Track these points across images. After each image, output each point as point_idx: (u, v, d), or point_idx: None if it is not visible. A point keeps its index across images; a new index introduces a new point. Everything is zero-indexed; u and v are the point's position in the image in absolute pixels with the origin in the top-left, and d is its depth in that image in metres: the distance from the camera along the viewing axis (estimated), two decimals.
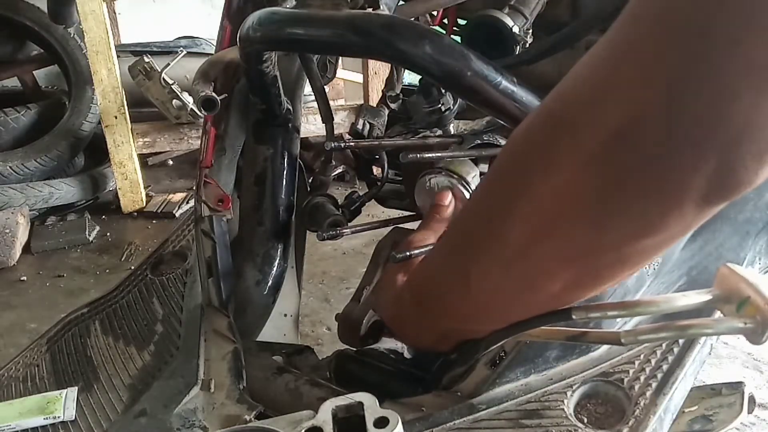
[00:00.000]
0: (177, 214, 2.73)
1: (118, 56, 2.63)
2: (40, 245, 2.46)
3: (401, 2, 0.98)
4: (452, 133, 0.97)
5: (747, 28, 0.34)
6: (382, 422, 0.50)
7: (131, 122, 2.67)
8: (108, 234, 2.61)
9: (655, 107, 0.38)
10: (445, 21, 1.11)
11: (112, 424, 0.76)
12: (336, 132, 0.94)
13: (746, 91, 0.35)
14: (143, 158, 2.95)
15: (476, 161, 0.91)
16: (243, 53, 0.85)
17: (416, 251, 0.71)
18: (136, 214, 2.77)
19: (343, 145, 0.91)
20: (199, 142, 1.34)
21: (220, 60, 0.94)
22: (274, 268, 0.97)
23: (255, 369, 0.80)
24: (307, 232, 1.06)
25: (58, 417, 0.78)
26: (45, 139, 2.79)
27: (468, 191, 0.84)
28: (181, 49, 2.98)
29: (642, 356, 0.72)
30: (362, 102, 2.95)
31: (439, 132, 0.98)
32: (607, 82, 0.40)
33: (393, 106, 1.11)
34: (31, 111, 2.84)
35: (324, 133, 0.94)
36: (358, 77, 3.19)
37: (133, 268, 1.14)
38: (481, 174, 0.88)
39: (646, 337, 0.51)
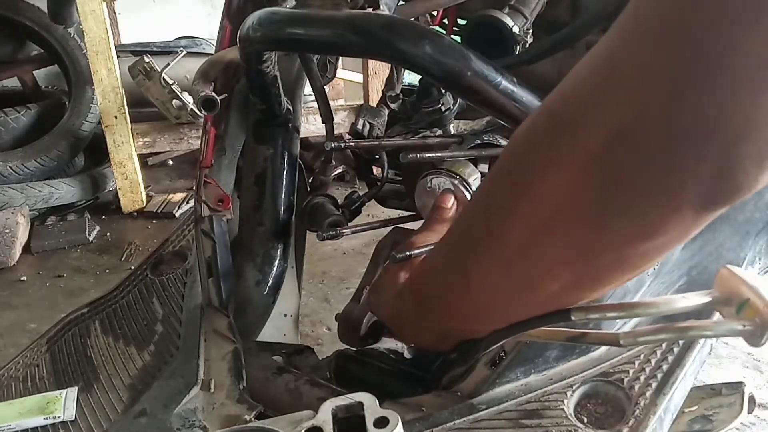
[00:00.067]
0: (177, 214, 2.73)
1: (118, 56, 2.63)
2: (40, 245, 2.47)
3: (401, 2, 0.98)
4: (452, 133, 0.97)
5: (746, 28, 0.34)
6: (382, 422, 0.50)
7: (131, 122, 2.67)
8: (108, 234, 2.62)
9: (654, 107, 0.38)
10: (445, 21, 1.11)
11: (112, 424, 0.76)
12: (336, 132, 0.94)
13: (745, 90, 0.35)
14: (143, 158, 2.95)
15: (476, 161, 0.91)
16: (243, 53, 0.85)
17: (416, 251, 0.71)
18: (136, 214, 2.77)
19: (343, 145, 0.91)
20: (199, 142, 1.34)
21: (220, 60, 0.94)
22: (274, 268, 0.97)
23: (255, 369, 0.80)
24: (307, 232, 1.06)
25: (58, 417, 0.78)
26: (45, 139, 2.79)
27: (469, 192, 0.84)
28: (181, 49, 2.98)
29: (642, 356, 0.72)
30: (362, 102, 2.95)
31: (439, 132, 0.98)
32: (607, 82, 0.41)
33: (393, 106, 1.11)
34: (31, 111, 2.84)
35: (324, 133, 0.94)
36: (358, 77, 3.19)
37: (133, 268, 1.14)
38: (481, 174, 0.88)
39: (646, 338, 0.51)
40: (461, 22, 1.09)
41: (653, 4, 0.38)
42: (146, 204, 2.80)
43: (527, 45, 0.92)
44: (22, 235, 2.43)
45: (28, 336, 1.87)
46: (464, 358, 0.66)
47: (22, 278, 2.28)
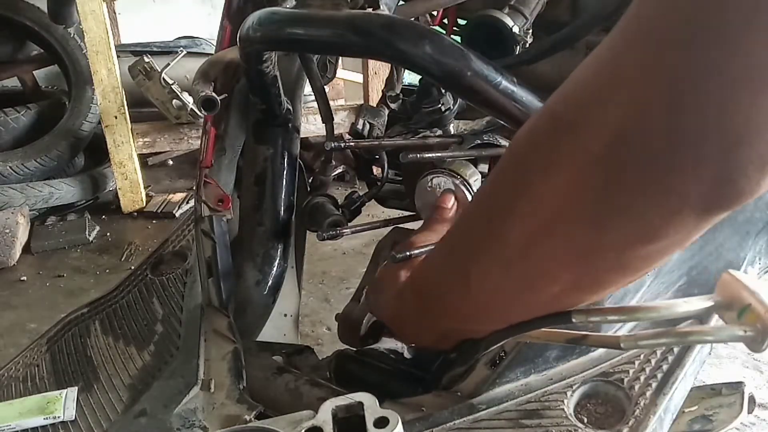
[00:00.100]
0: (177, 214, 2.73)
1: (118, 56, 2.63)
2: (40, 245, 2.47)
3: (401, 2, 0.98)
4: (452, 133, 0.97)
5: (747, 28, 0.34)
6: (382, 422, 0.50)
7: (131, 122, 2.67)
8: (108, 234, 2.62)
9: (656, 108, 0.38)
10: (445, 21, 1.11)
11: (112, 424, 0.76)
12: (336, 132, 0.94)
13: (745, 91, 0.35)
14: (143, 158, 2.95)
15: (476, 161, 0.91)
16: (243, 53, 0.85)
17: (416, 251, 0.71)
18: (136, 214, 2.77)
19: (343, 145, 0.91)
20: (199, 142, 1.34)
21: (220, 60, 0.94)
22: (274, 268, 0.97)
23: (255, 369, 0.80)
24: (307, 232, 1.06)
25: (58, 417, 0.78)
26: (45, 139, 2.79)
27: (470, 193, 0.84)
28: (181, 49, 2.98)
29: (642, 356, 0.72)
30: (362, 102, 2.95)
31: (439, 132, 0.98)
32: (609, 84, 0.41)
33: (393, 106, 1.11)
34: (31, 111, 2.84)
35: (324, 133, 0.94)
36: (358, 77, 3.19)
37: (133, 268, 1.14)
38: (482, 174, 0.88)
39: (646, 342, 0.51)
40: (461, 22, 1.09)
41: (655, 5, 0.38)
42: (146, 204, 2.80)
43: (527, 45, 0.92)
44: (22, 235, 2.43)
45: (28, 336, 1.87)
46: (464, 358, 0.66)
47: (22, 278, 2.28)
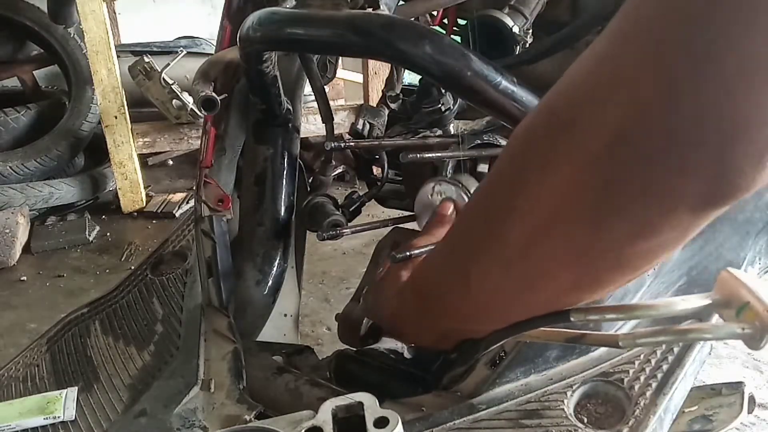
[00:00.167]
0: (177, 214, 2.73)
1: (118, 56, 2.63)
2: (40, 245, 2.46)
3: (401, 2, 0.98)
4: (452, 133, 0.97)
5: (745, 25, 0.34)
6: (382, 422, 0.50)
7: (131, 122, 2.67)
8: (108, 234, 2.61)
9: (654, 107, 0.38)
10: (445, 21, 1.11)
11: (112, 424, 0.76)
12: (336, 132, 0.94)
13: (741, 90, 0.35)
14: (143, 158, 2.95)
15: (476, 161, 0.91)
16: (243, 53, 0.85)
17: (416, 251, 0.71)
18: (136, 214, 2.77)
19: (343, 145, 0.91)
20: (199, 142, 1.34)
21: (220, 60, 0.94)
22: (274, 268, 0.97)
23: (255, 369, 0.80)
24: (307, 232, 1.06)
25: (58, 417, 0.78)
26: (45, 139, 2.79)
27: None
28: (181, 49, 2.98)
29: (642, 356, 0.72)
30: (362, 102, 2.95)
31: (439, 132, 0.98)
32: (606, 82, 0.41)
33: (393, 106, 1.11)
34: (31, 111, 2.84)
35: (324, 133, 0.94)
36: (358, 77, 3.19)
37: (133, 268, 1.14)
38: (481, 175, 0.88)
39: (645, 340, 0.51)
40: (461, 22, 1.09)
41: (654, 4, 0.39)
42: (146, 204, 2.80)
43: (527, 45, 0.92)
44: (22, 235, 2.43)
45: (28, 336, 1.87)
46: (464, 358, 0.66)
47: (22, 278, 2.28)
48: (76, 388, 0.83)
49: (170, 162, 3.41)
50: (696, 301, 0.50)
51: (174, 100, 2.58)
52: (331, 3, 0.82)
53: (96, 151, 2.98)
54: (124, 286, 1.01)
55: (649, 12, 0.39)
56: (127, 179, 2.74)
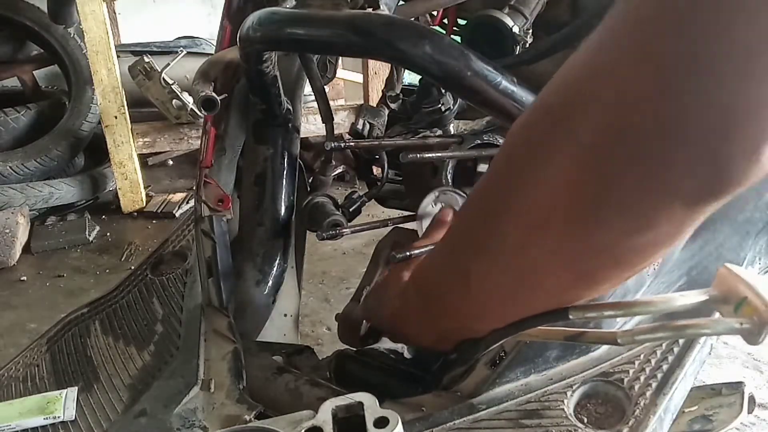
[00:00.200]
0: (177, 214, 2.73)
1: (118, 56, 2.63)
2: (40, 245, 2.46)
3: (401, 2, 0.98)
4: (452, 133, 0.97)
5: (734, 12, 0.34)
6: (382, 422, 0.50)
7: (131, 122, 2.67)
8: (108, 234, 2.61)
9: (645, 99, 0.38)
10: (445, 21, 1.11)
11: (112, 424, 0.76)
12: (336, 132, 0.94)
13: (731, 76, 0.35)
14: (143, 158, 2.95)
15: (476, 161, 0.91)
16: (243, 53, 0.85)
17: (417, 251, 0.71)
18: (136, 214, 2.77)
19: (343, 145, 0.91)
20: (199, 142, 1.34)
21: (220, 60, 0.94)
22: (274, 268, 0.97)
23: (255, 369, 0.80)
24: (307, 232, 1.06)
25: (58, 417, 0.78)
26: (45, 139, 2.79)
27: None
28: (181, 49, 2.98)
29: (642, 356, 0.72)
30: (362, 102, 2.95)
31: (439, 132, 0.98)
32: (598, 75, 0.41)
33: (393, 106, 1.11)
34: (31, 111, 2.84)
35: (324, 133, 0.94)
36: (358, 77, 3.19)
37: (133, 268, 1.14)
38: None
39: (643, 337, 0.51)
40: (461, 22, 1.09)
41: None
42: (146, 204, 2.80)
43: (527, 45, 0.92)
44: (22, 235, 2.43)
45: (28, 336, 1.87)
46: (464, 358, 0.66)
47: (22, 278, 2.28)
48: (76, 388, 0.83)
49: (170, 162, 3.41)
50: (694, 297, 0.50)
51: (174, 100, 2.58)
52: (331, 3, 0.82)
53: (96, 151, 2.98)
54: (124, 286, 1.01)
55: (639, 8, 0.39)
56: (127, 179, 2.74)
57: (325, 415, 0.52)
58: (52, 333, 0.96)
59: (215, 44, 1.11)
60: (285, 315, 1.01)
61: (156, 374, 0.82)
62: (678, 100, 0.37)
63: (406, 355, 0.83)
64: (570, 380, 0.71)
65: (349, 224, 0.95)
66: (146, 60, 2.58)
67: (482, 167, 0.91)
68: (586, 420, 0.67)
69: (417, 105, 1.02)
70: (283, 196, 0.99)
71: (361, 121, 1.11)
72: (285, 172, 1.00)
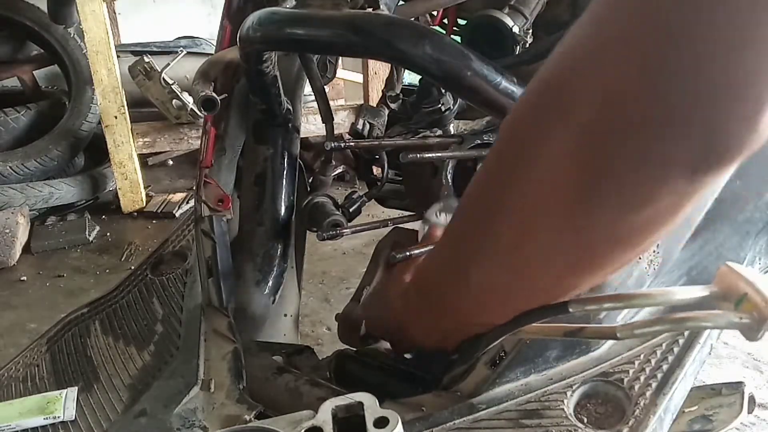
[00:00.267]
0: (177, 214, 2.73)
1: (118, 56, 2.63)
2: (40, 245, 2.46)
3: (401, 2, 0.98)
4: (452, 133, 0.97)
5: None
6: (382, 422, 0.50)
7: (131, 122, 2.67)
8: (108, 234, 2.61)
9: (639, 71, 0.37)
10: (445, 21, 1.11)
11: (112, 424, 0.76)
12: (336, 132, 0.94)
13: (724, 49, 0.35)
14: (143, 158, 2.95)
15: (476, 161, 0.91)
16: (243, 53, 0.85)
17: (417, 251, 0.71)
18: (136, 214, 2.77)
19: (343, 145, 0.91)
20: (199, 142, 1.34)
21: (220, 60, 0.94)
22: (274, 268, 0.97)
23: (255, 369, 0.80)
24: (307, 232, 1.06)
25: (58, 417, 0.78)
26: (45, 139, 2.79)
27: None
28: (181, 49, 2.98)
29: (642, 356, 0.72)
30: (362, 102, 2.95)
31: (439, 132, 0.98)
32: (592, 50, 0.40)
33: (393, 106, 1.11)
34: (31, 111, 2.84)
35: (324, 133, 0.94)
36: (358, 77, 3.19)
37: (133, 268, 1.14)
38: None
39: (642, 330, 0.51)
40: (461, 22, 1.09)
41: None
42: (146, 204, 2.80)
43: (527, 45, 0.92)
44: (22, 235, 2.43)
45: (28, 336, 1.87)
46: (464, 357, 0.66)
47: (22, 278, 2.28)
48: (76, 388, 0.83)
49: (170, 162, 3.41)
50: (694, 291, 0.50)
51: (174, 100, 2.58)
52: (331, 3, 0.82)
53: (96, 151, 2.98)
54: (124, 286, 1.01)
55: None
56: (127, 179, 2.73)
57: (325, 415, 0.52)
58: (52, 333, 0.96)
59: (215, 44, 1.11)
60: (285, 315, 1.01)
61: (156, 374, 0.82)
62: (673, 71, 0.36)
63: (407, 354, 0.83)
64: (570, 380, 0.71)
65: (349, 224, 0.95)
66: (146, 60, 2.58)
67: None
68: (586, 420, 0.67)
69: (417, 105, 1.02)
70: (283, 196, 0.99)
71: (361, 121, 1.11)
72: (285, 172, 1.00)
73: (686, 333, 0.73)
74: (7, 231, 2.38)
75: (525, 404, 0.69)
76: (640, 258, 0.73)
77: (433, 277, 0.62)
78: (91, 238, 2.54)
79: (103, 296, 1.01)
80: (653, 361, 0.71)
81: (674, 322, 0.50)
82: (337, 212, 0.96)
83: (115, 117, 2.63)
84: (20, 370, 0.90)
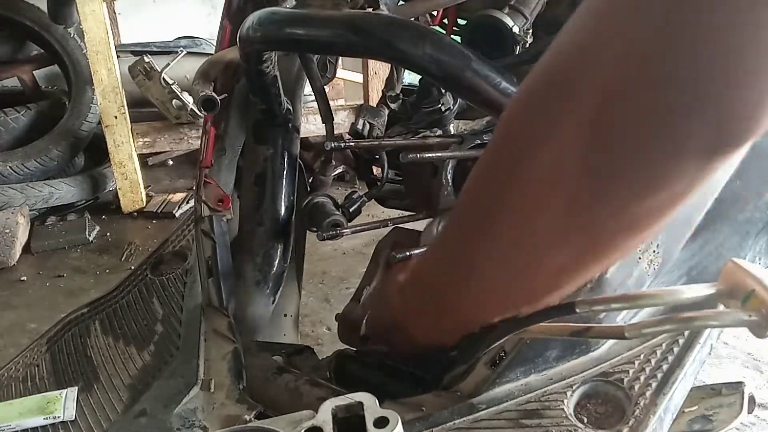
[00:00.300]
0: (177, 214, 2.73)
1: (118, 56, 2.63)
2: (40, 245, 2.46)
3: (401, 2, 0.98)
4: (452, 133, 0.97)
5: None
6: (382, 422, 0.50)
7: (131, 122, 2.67)
8: (108, 234, 2.61)
9: (651, 53, 0.37)
10: (445, 21, 1.11)
11: (112, 424, 0.76)
12: (336, 132, 0.94)
13: (740, 22, 0.34)
14: (143, 158, 2.95)
15: (476, 161, 0.91)
16: (243, 53, 0.85)
17: (417, 251, 0.71)
18: (136, 214, 2.77)
19: (343, 145, 0.91)
20: (199, 142, 1.34)
21: (220, 60, 0.94)
22: (274, 268, 0.97)
23: (255, 369, 0.80)
24: (307, 232, 1.06)
25: (58, 417, 0.78)
26: (45, 139, 2.79)
27: None
28: (181, 49, 2.98)
29: (642, 356, 0.72)
30: (362, 102, 2.95)
31: (439, 132, 0.98)
32: (600, 34, 0.40)
33: (393, 106, 1.11)
34: (31, 111, 2.84)
35: (324, 133, 0.94)
36: (358, 77, 3.19)
37: (133, 268, 1.14)
38: None
39: (651, 329, 0.51)
40: (461, 22, 1.09)
41: None
42: (146, 204, 2.80)
43: (527, 45, 0.92)
44: (22, 235, 2.43)
45: (28, 336, 1.87)
46: (465, 357, 0.66)
47: (22, 278, 2.28)
48: (76, 388, 0.83)
49: (170, 162, 3.41)
50: (701, 290, 0.50)
51: (174, 100, 2.58)
52: (331, 3, 0.82)
53: (96, 151, 2.98)
54: (124, 286, 1.01)
55: None
56: (127, 179, 2.74)
57: (325, 415, 0.52)
58: (52, 333, 0.96)
59: (215, 44, 1.11)
60: (285, 315, 1.01)
61: (156, 374, 0.82)
62: (685, 51, 0.36)
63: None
64: (570, 380, 0.71)
65: (349, 224, 0.95)
66: (146, 60, 2.58)
67: None
68: (586, 420, 0.67)
69: (417, 105, 1.02)
70: (283, 196, 0.99)
71: (361, 121, 1.11)
72: (285, 172, 1.00)
73: (686, 333, 0.73)
74: (7, 231, 2.38)
75: (525, 404, 0.69)
76: (640, 258, 0.73)
77: (430, 277, 0.61)
78: (91, 238, 2.54)
79: (103, 296, 1.01)
80: (653, 361, 0.71)
81: (682, 322, 0.49)
82: (337, 212, 0.96)
83: (115, 117, 2.63)
84: (20, 370, 0.90)
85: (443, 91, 0.96)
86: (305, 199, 1.00)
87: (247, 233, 0.99)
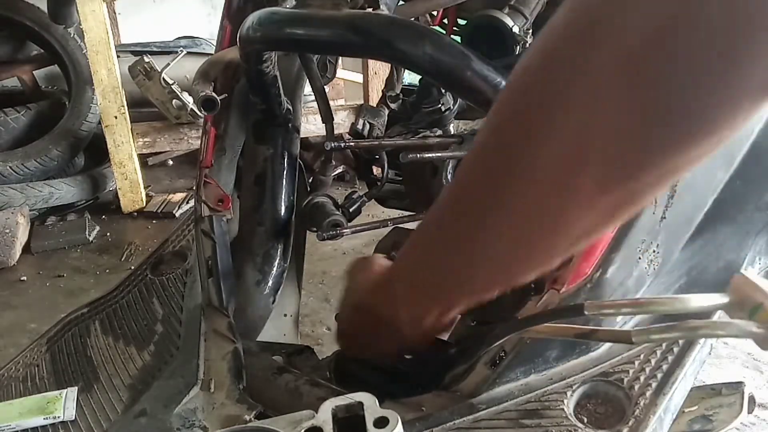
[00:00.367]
0: (177, 214, 2.73)
1: (118, 56, 2.63)
2: (40, 245, 2.46)
3: (401, 2, 0.98)
4: (452, 133, 0.97)
5: None
6: (382, 422, 0.50)
7: (131, 122, 2.67)
8: (108, 234, 2.61)
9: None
10: (445, 21, 1.11)
11: (112, 424, 0.76)
12: (336, 132, 0.94)
13: None
14: (143, 158, 2.95)
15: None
16: (243, 53, 0.85)
17: None
18: (136, 214, 2.77)
19: (343, 145, 0.91)
20: (199, 142, 1.34)
21: (220, 60, 0.94)
22: (274, 268, 0.97)
23: (255, 369, 0.80)
24: (307, 232, 1.06)
25: (58, 417, 0.78)
26: (45, 139, 2.79)
27: None
28: (181, 49, 2.98)
29: (642, 356, 0.72)
30: (362, 102, 2.95)
31: (439, 132, 0.98)
32: None
33: (393, 106, 1.12)
34: (31, 111, 2.84)
35: (324, 133, 0.94)
36: (358, 77, 3.19)
37: (133, 268, 1.14)
38: None
39: (659, 336, 0.51)
40: (461, 22, 1.09)
41: None
42: (146, 204, 2.80)
43: (527, 45, 0.92)
44: (22, 235, 2.43)
45: (28, 336, 1.87)
46: (465, 357, 0.66)
47: (22, 278, 2.28)
48: (76, 388, 0.83)
49: (170, 162, 3.41)
50: (711, 299, 0.50)
51: (174, 100, 2.58)
52: (331, 3, 0.82)
53: (96, 151, 2.98)
54: (124, 286, 1.01)
55: None
56: (127, 179, 2.74)
57: (325, 415, 0.52)
58: (52, 333, 0.96)
59: (215, 44, 1.11)
60: (285, 315, 1.01)
61: (156, 374, 0.82)
62: None
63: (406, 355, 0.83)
64: (570, 380, 0.71)
65: (349, 224, 0.95)
66: (146, 60, 2.58)
67: None
68: (586, 420, 0.67)
69: (417, 105, 1.02)
70: (283, 196, 0.99)
71: (361, 121, 1.11)
72: (285, 172, 1.00)
73: None
74: (7, 231, 2.38)
75: (525, 404, 0.69)
76: (640, 258, 0.73)
77: (427, 259, 0.59)
78: (91, 238, 2.54)
79: (103, 296, 1.01)
80: (653, 361, 0.71)
81: (689, 330, 0.49)
82: (337, 212, 0.96)
83: (115, 117, 2.63)
84: (20, 370, 0.90)
85: (443, 91, 0.97)
86: (305, 199, 1.00)
87: (247, 233, 0.99)
